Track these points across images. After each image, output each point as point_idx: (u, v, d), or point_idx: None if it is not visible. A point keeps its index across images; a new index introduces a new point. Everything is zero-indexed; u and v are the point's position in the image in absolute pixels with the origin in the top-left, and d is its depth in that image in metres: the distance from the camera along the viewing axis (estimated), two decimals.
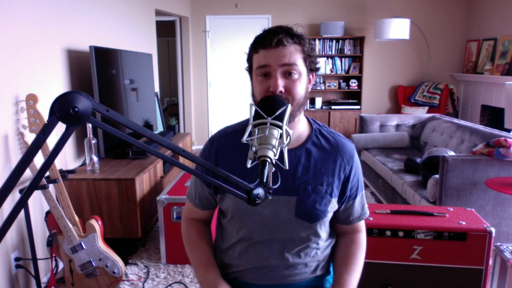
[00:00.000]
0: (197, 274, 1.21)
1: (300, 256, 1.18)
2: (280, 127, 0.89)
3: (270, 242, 1.16)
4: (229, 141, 1.18)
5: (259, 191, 0.86)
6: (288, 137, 0.89)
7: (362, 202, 1.25)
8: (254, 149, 0.86)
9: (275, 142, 0.86)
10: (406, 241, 1.73)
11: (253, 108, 0.95)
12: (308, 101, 5.98)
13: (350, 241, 1.25)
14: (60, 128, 2.47)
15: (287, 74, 1.05)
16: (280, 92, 1.04)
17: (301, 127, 1.17)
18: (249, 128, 0.91)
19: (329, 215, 1.18)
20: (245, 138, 0.88)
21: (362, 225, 1.28)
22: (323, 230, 1.19)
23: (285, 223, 1.14)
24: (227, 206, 1.17)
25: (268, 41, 1.05)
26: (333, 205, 1.17)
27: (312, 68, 1.12)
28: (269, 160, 0.84)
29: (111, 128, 0.75)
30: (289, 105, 0.95)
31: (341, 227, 1.26)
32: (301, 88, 1.08)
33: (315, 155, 1.16)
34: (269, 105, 0.95)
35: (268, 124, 0.88)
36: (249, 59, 1.13)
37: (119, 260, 2.23)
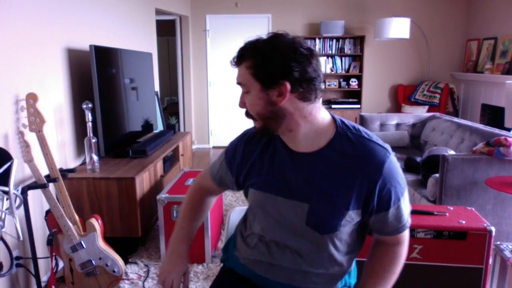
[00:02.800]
0: (172, 238, 1.33)
1: (313, 265, 1.13)
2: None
3: (283, 245, 1.14)
4: (256, 140, 1.21)
5: None
6: (18, 199, 0.89)
7: (398, 215, 1.09)
8: None
9: None
10: None
11: None
12: None
13: (384, 253, 1.17)
14: (60, 127, 2.47)
15: (244, 90, 1.08)
16: (241, 106, 1.11)
17: (312, 133, 1.07)
18: None
19: (344, 229, 1.10)
20: None
21: (401, 237, 1.15)
22: (338, 243, 1.12)
23: (296, 229, 1.11)
24: (249, 198, 1.22)
25: (232, 61, 1.12)
26: (350, 219, 1.07)
27: (269, 82, 1.01)
28: None
29: None
30: (14, 160, 0.99)
31: (377, 237, 1.18)
32: (254, 104, 1.05)
33: (334, 161, 1.05)
34: None
35: None
36: None
37: (119, 259, 2.23)
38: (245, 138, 1.22)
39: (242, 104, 1.10)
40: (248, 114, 1.10)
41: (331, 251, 1.12)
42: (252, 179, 1.18)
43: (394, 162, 1.06)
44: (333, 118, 1.11)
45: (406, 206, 1.11)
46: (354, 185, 1.04)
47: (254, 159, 1.17)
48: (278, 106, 1.03)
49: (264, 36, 1.07)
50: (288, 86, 1.00)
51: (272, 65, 1.00)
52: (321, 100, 1.08)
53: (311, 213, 1.07)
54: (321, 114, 1.08)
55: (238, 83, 1.08)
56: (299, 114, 1.04)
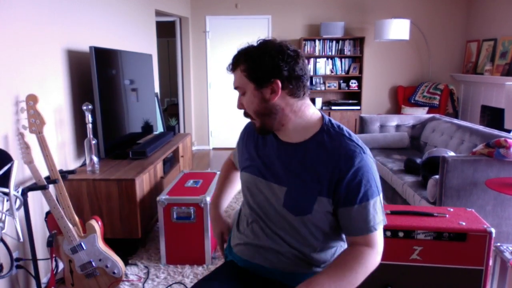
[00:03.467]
0: (211, 201, 1.58)
1: (291, 247, 1.24)
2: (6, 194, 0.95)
3: (264, 225, 1.28)
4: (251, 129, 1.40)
5: None
6: (18, 201, 0.94)
7: (364, 214, 1.14)
8: None
9: None
10: (406, 242, 1.73)
11: None
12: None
13: (350, 250, 1.17)
14: (60, 129, 2.47)
15: (240, 93, 1.24)
16: (239, 108, 1.26)
17: (300, 127, 1.22)
18: None
19: (317, 214, 1.17)
20: None
21: (369, 240, 1.15)
22: (313, 228, 1.20)
23: (276, 211, 1.24)
24: (241, 180, 1.39)
25: (228, 68, 1.26)
26: (322, 205, 1.16)
27: (262, 81, 1.17)
28: None
29: None
30: (14, 162, 1.07)
31: (347, 238, 1.22)
32: (251, 103, 1.20)
33: (313, 152, 1.19)
34: None
35: None
36: None
37: (119, 260, 2.23)
38: (248, 126, 1.43)
39: (240, 105, 1.25)
40: (246, 114, 1.26)
41: (306, 235, 1.22)
42: (245, 162, 1.36)
43: (367, 161, 1.15)
44: (322, 116, 1.25)
45: (375, 210, 1.15)
46: (326, 173, 1.15)
47: (251, 146, 1.36)
48: (271, 103, 1.18)
49: (255, 43, 1.23)
50: (279, 83, 1.15)
51: (263, 66, 1.16)
52: (308, 97, 1.24)
53: (288, 196, 1.20)
54: (310, 110, 1.23)
55: (235, 88, 1.23)
56: (290, 109, 1.20)
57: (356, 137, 1.22)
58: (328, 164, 1.15)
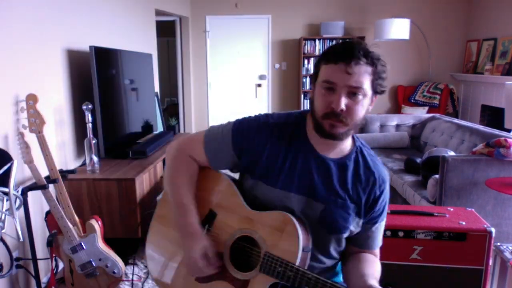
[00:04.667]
0: (176, 211, 1.22)
1: (319, 260, 1.21)
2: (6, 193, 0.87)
3: None
4: (280, 132, 1.19)
5: None
6: (18, 200, 0.86)
7: (379, 231, 1.25)
8: None
9: None
10: (406, 241, 1.73)
11: None
12: (308, 101, 5.98)
13: (366, 257, 1.23)
14: (60, 128, 2.47)
15: (351, 94, 1.05)
16: (341, 110, 1.04)
17: (345, 142, 1.18)
18: None
19: (348, 232, 1.20)
20: None
21: (378, 252, 1.28)
22: (340, 244, 1.23)
23: (309, 225, 1.15)
24: (256, 194, 1.19)
25: (340, 57, 1.03)
26: (356, 225, 1.19)
27: (378, 91, 1.10)
28: None
29: None
30: (14, 161, 0.95)
31: (352, 249, 1.26)
32: (362, 109, 1.08)
33: (351, 171, 1.17)
34: None
35: None
36: (317, 67, 1.11)
37: (119, 260, 2.23)
38: (267, 129, 1.19)
39: (343, 107, 1.04)
40: (336, 117, 1.06)
41: (331, 250, 1.21)
42: (267, 171, 1.16)
43: (389, 185, 1.23)
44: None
45: (383, 227, 1.27)
46: (363, 195, 1.17)
47: (275, 153, 1.16)
48: (365, 114, 1.11)
49: (362, 42, 1.08)
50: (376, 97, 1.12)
51: (385, 77, 1.09)
52: None
53: (325, 213, 1.15)
54: None
55: (352, 86, 1.03)
56: None
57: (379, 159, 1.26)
58: (366, 187, 1.17)
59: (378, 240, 1.26)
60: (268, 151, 1.17)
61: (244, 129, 1.20)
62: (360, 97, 1.05)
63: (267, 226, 1.13)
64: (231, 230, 1.19)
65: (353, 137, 1.21)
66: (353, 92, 1.04)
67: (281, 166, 1.16)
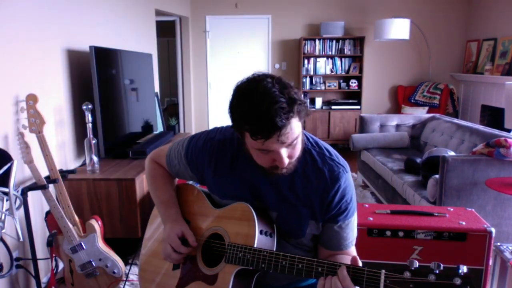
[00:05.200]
0: (159, 210, 1.33)
1: None
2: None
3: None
4: (225, 151, 1.23)
5: None
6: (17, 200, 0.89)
7: (345, 231, 1.17)
8: None
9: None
10: (406, 241, 1.73)
11: None
12: (308, 101, 6.00)
13: (338, 257, 1.19)
14: (60, 128, 2.47)
15: (292, 144, 1.03)
16: (290, 162, 1.06)
17: None
18: None
19: (309, 237, 1.20)
20: None
21: (349, 253, 1.20)
22: (304, 248, 1.23)
23: None
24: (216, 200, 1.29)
25: (268, 134, 0.97)
26: (314, 228, 1.17)
27: (305, 115, 1.05)
28: None
29: None
30: (14, 161, 0.97)
31: (323, 251, 1.22)
32: (300, 146, 1.08)
33: (300, 176, 1.15)
34: None
35: None
36: (240, 131, 1.05)
37: (119, 260, 2.23)
38: (213, 149, 1.23)
39: (289, 158, 1.05)
40: (285, 168, 1.06)
41: (295, 251, 1.20)
42: (218, 186, 1.24)
43: (350, 180, 1.17)
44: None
45: (354, 227, 1.20)
46: (315, 198, 1.14)
47: (221, 166, 1.22)
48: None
49: (274, 92, 0.98)
50: None
51: (305, 105, 1.02)
52: None
53: (280, 221, 1.17)
54: None
55: (290, 144, 1.01)
56: None
57: (335, 153, 1.19)
58: (317, 188, 1.14)
59: (347, 240, 1.18)
60: (214, 166, 1.23)
61: (194, 146, 1.28)
62: (298, 141, 1.05)
63: (229, 218, 1.20)
64: (203, 232, 1.26)
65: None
66: (292, 145, 1.03)
67: (231, 179, 1.20)
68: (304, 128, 1.11)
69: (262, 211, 1.19)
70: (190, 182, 1.41)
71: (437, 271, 0.89)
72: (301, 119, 1.03)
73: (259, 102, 0.97)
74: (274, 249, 1.14)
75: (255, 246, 1.10)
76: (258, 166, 1.11)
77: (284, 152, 1.02)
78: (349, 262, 1.02)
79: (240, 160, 1.19)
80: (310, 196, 1.15)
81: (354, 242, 1.22)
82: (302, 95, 1.11)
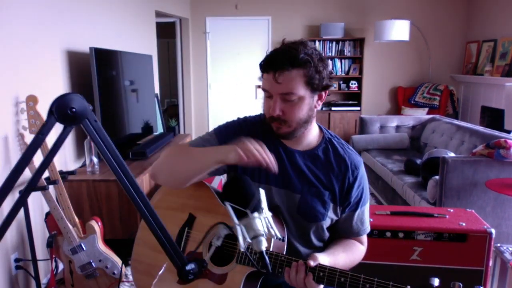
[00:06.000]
0: (207, 156, 1.12)
1: (302, 252, 1.24)
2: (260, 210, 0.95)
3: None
4: (256, 129, 1.25)
5: (192, 266, 0.87)
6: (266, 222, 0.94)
7: (362, 217, 1.26)
8: (245, 242, 0.91)
9: (262, 230, 0.92)
10: (406, 242, 1.73)
11: (228, 206, 0.96)
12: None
13: (354, 244, 1.28)
14: (60, 129, 2.47)
15: (286, 99, 1.11)
16: (278, 115, 1.12)
17: (310, 136, 1.23)
18: (238, 229, 0.93)
19: (328, 220, 1.23)
20: (241, 245, 0.91)
21: (363, 240, 1.30)
22: (322, 233, 1.24)
23: (289, 218, 1.21)
24: None
25: (268, 67, 1.09)
26: (334, 211, 1.22)
27: (318, 88, 1.13)
28: (264, 251, 0.92)
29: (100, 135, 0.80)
30: (261, 191, 0.97)
31: (340, 239, 1.29)
32: (301, 111, 1.13)
33: (322, 160, 1.21)
34: (238, 192, 0.97)
35: (251, 217, 0.93)
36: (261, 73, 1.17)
37: (119, 261, 2.23)
38: (246, 125, 1.27)
39: (280, 111, 1.11)
40: (279, 121, 1.13)
41: (313, 240, 1.24)
42: (247, 168, 1.18)
43: (364, 169, 1.26)
44: (319, 126, 1.28)
45: (368, 213, 1.28)
46: (337, 182, 1.20)
47: None
48: (314, 110, 1.17)
49: (297, 43, 1.10)
50: (327, 92, 1.16)
51: (324, 74, 1.11)
52: None
53: (303, 203, 1.19)
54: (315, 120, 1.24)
55: (283, 93, 1.09)
56: (314, 118, 1.21)
57: (351, 147, 1.29)
58: (338, 173, 1.20)
59: (364, 226, 1.27)
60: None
61: (227, 128, 1.28)
62: (295, 100, 1.10)
63: None
64: (210, 229, 1.22)
65: (321, 130, 1.27)
66: (287, 98, 1.10)
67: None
68: (320, 103, 1.17)
69: (274, 212, 1.18)
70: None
71: None
72: (310, 85, 1.09)
73: (282, 46, 1.11)
74: (285, 252, 1.15)
75: (271, 249, 1.10)
76: (283, 146, 1.20)
77: (277, 99, 1.10)
78: (362, 250, 1.25)
79: (268, 141, 1.18)
80: (331, 180, 1.20)
81: (369, 228, 1.29)
82: (329, 77, 1.15)
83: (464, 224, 1.73)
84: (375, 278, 0.99)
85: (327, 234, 1.26)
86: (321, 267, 1.04)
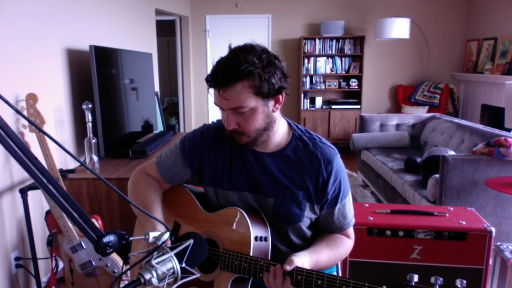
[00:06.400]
0: (140, 216, 1.25)
1: (286, 253, 1.20)
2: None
3: None
4: (221, 135, 1.24)
5: (111, 238, 0.84)
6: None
7: (343, 211, 1.21)
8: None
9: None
10: (406, 241, 1.73)
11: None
12: (308, 100, 6.00)
13: (339, 238, 1.24)
14: (59, 128, 2.46)
15: (238, 112, 1.07)
16: (234, 128, 1.10)
17: (277, 136, 1.19)
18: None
19: (306, 220, 1.20)
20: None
21: (349, 233, 1.26)
22: (302, 233, 1.23)
23: (266, 219, 1.19)
24: (221, 202, 1.24)
25: (212, 84, 1.06)
26: (311, 211, 1.19)
27: (271, 95, 1.08)
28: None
29: None
30: (191, 241, 0.97)
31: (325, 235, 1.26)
32: (256, 121, 1.09)
33: (293, 160, 1.17)
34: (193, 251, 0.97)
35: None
36: None
37: (119, 259, 2.23)
38: (209, 134, 1.25)
39: (235, 125, 1.09)
40: (236, 133, 1.11)
41: (295, 241, 1.23)
42: (215, 178, 1.22)
43: (341, 161, 1.20)
44: (289, 123, 1.23)
45: (350, 205, 1.23)
46: (310, 180, 1.16)
47: (218, 158, 1.22)
48: (272, 115, 1.12)
49: (242, 51, 1.06)
50: (284, 94, 1.12)
51: (274, 79, 1.06)
52: None
53: (277, 207, 1.17)
54: (281, 118, 1.20)
55: (232, 108, 1.06)
56: (278, 119, 1.16)
57: (324, 139, 1.23)
58: (311, 170, 1.16)
59: (347, 220, 1.22)
60: (213, 155, 1.23)
61: (190, 138, 1.27)
62: (247, 112, 1.07)
63: (222, 224, 1.17)
64: None
65: (291, 127, 1.22)
66: (238, 111, 1.07)
67: (227, 167, 1.21)
68: (272, 110, 1.12)
69: (255, 211, 1.19)
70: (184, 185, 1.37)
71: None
72: (259, 94, 1.05)
73: (224, 57, 1.06)
74: (269, 252, 1.13)
75: (251, 254, 1.09)
76: (250, 151, 1.17)
77: (229, 114, 1.07)
78: (349, 244, 1.21)
79: (235, 147, 1.20)
80: (304, 179, 1.16)
81: (353, 221, 1.25)
82: (282, 79, 1.11)
83: (464, 222, 1.73)
84: (351, 279, 0.97)
85: (308, 232, 1.23)
86: (298, 270, 1.02)
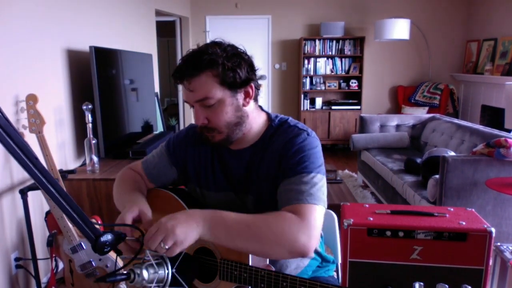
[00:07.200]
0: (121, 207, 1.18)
1: None
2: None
3: None
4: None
5: (108, 237, 0.84)
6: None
7: (301, 186, 1.04)
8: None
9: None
10: (406, 241, 1.73)
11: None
12: (308, 101, 6.00)
13: (276, 212, 1.05)
14: (59, 128, 2.47)
15: (206, 105, 1.04)
16: (203, 123, 1.07)
17: (253, 132, 1.15)
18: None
19: None
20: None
21: (300, 210, 1.01)
22: None
23: None
24: (208, 204, 1.23)
25: (177, 78, 1.04)
26: None
27: (237, 85, 1.04)
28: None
29: None
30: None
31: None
32: (225, 114, 1.05)
33: (264, 151, 1.13)
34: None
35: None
36: None
37: (119, 260, 2.23)
38: (194, 133, 1.24)
39: (204, 120, 1.06)
40: (207, 129, 1.08)
41: None
42: (199, 178, 1.21)
43: (310, 141, 1.10)
44: (268, 115, 1.19)
45: (313, 186, 1.04)
46: (277, 164, 1.10)
47: (201, 157, 1.21)
48: (244, 109, 1.08)
49: (207, 45, 1.07)
50: (253, 86, 1.08)
51: (241, 67, 1.05)
52: None
53: (257, 204, 1.14)
54: (259, 111, 1.17)
55: (199, 100, 1.03)
56: (252, 114, 1.12)
57: (302, 124, 1.16)
58: (276, 155, 1.11)
59: (302, 196, 1.02)
60: (196, 154, 1.22)
61: (175, 138, 1.26)
62: (215, 104, 1.04)
63: None
64: None
65: (269, 120, 1.17)
66: (205, 103, 1.04)
67: (210, 168, 1.19)
68: (242, 104, 1.09)
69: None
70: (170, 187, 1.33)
71: None
72: (225, 84, 1.03)
73: (188, 52, 1.05)
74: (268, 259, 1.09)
75: (250, 263, 1.03)
76: (227, 149, 1.15)
77: (198, 107, 1.05)
78: (288, 215, 0.99)
79: (214, 148, 1.19)
80: (274, 166, 1.11)
81: (311, 201, 1.02)
82: (250, 71, 1.10)
83: (464, 223, 1.73)
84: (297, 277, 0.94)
85: None
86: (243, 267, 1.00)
